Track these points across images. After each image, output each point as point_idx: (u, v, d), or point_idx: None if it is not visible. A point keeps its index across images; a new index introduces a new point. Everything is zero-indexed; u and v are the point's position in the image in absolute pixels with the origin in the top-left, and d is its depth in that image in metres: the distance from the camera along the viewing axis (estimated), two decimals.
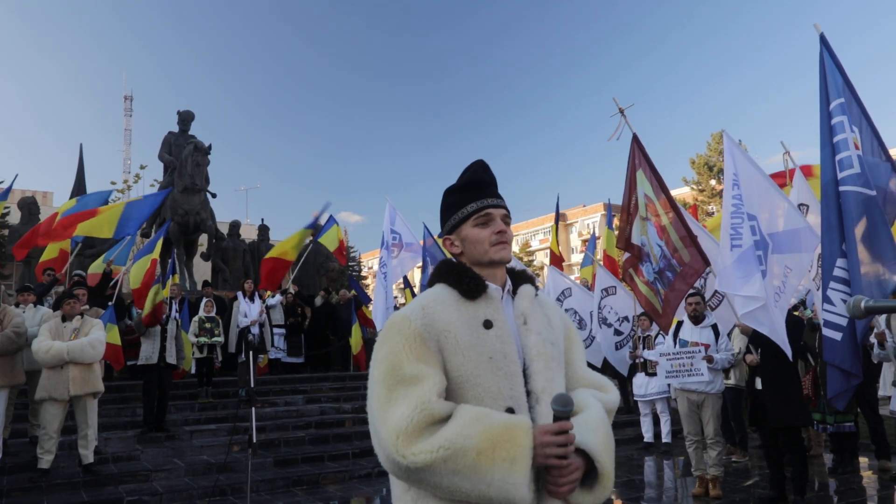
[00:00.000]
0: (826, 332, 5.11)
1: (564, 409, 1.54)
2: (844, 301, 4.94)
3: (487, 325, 1.70)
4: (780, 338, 5.81)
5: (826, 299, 5.12)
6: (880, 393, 8.00)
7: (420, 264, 14.09)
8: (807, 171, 8.85)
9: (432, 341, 1.66)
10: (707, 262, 6.97)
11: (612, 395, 1.90)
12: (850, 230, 5.00)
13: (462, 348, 1.66)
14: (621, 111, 7.92)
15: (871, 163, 5.36)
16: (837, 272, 5.04)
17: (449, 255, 1.92)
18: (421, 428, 1.52)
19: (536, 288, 1.91)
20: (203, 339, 10.30)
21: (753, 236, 6.10)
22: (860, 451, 8.07)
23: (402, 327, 1.67)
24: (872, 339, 6.50)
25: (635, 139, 7.88)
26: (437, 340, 1.66)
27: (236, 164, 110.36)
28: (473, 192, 1.83)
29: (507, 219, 1.85)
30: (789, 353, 5.85)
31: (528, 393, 1.68)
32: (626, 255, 8.21)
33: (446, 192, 1.89)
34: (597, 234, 19.06)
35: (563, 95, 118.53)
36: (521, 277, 1.89)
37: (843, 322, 4.98)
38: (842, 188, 5.11)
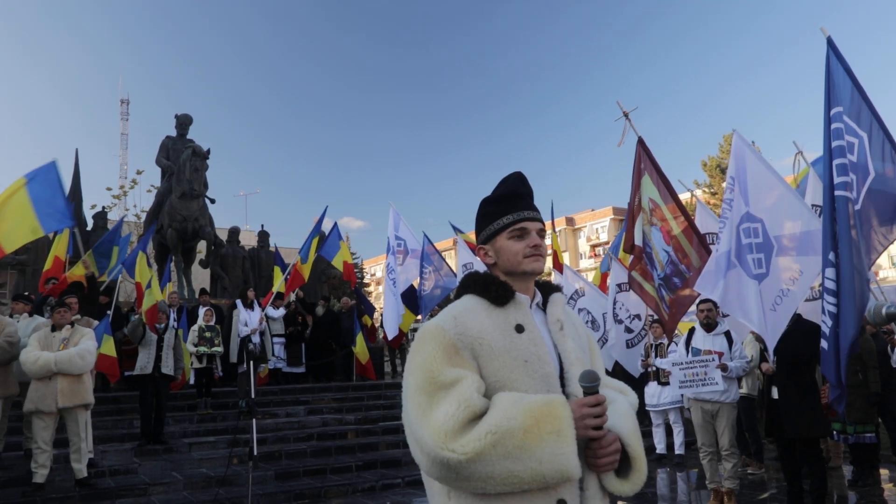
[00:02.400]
0: (822, 343, 5.15)
1: (592, 385, 1.67)
2: (831, 312, 5.02)
3: (519, 329, 1.79)
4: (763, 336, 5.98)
5: (823, 311, 5.16)
6: None
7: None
8: None
9: (466, 350, 1.73)
10: None
11: (632, 397, 2.03)
12: (842, 238, 5.04)
13: (497, 354, 1.73)
14: (625, 115, 7.92)
15: (884, 169, 5.39)
16: (827, 283, 5.08)
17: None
18: (464, 423, 1.59)
19: (565, 297, 1.99)
20: (203, 349, 10.29)
21: (754, 238, 6.16)
22: (881, 462, 8.00)
23: (436, 336, 1.75)
24: None
25: (641, 143, 7.89)
26: (472, 348, 1.73)
27: (235, 169, 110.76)
28: (510, 205, 1.92)
29: (542, 232, 1.94)
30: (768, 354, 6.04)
31: (567, 396, 1.75)
32: (632, 257, 8.22)
33: (483, 202, 1.99)
34: (605, 239, 19.01)
35: (573, 100, 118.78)
36: (549, 288, 2.00)
37: (829, 332, 5.04)
38: (837, 193, 5.14)
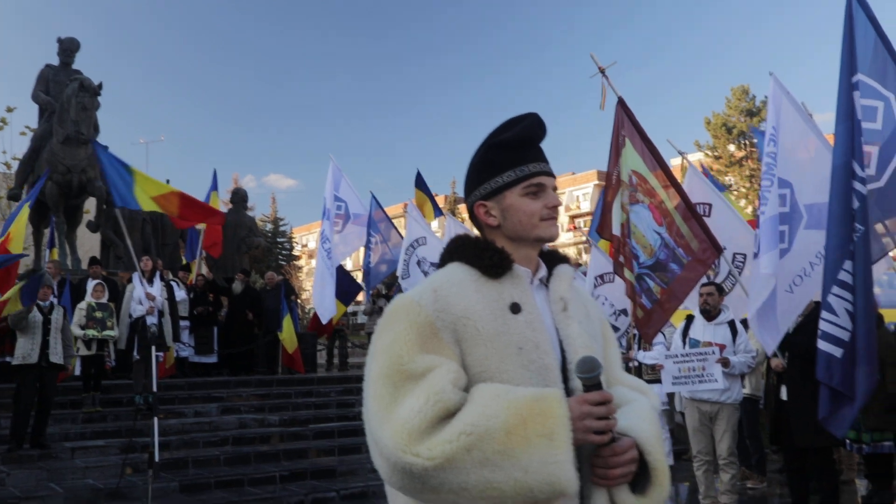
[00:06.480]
0: (822, 345, 5.21)
1: (591, 375, 1.60)
2: (849, 311, 5.10)
3: (515, 308, 1.74)
4: (770, 328, 6.16)
5: (826, 307, 5.23)
6: None
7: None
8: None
9: (447, 331, 1.68)
10: (718, 248, 7.08)
11: (654, 399, 1.98)
12: (862, 227, 5.14)
13: (485, 338, 1.69)
14: (601, 71, 7.93)
15: None
16: (843, 276, 5.15)
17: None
18: (434, 422, 1.54)
19: (574, 270, 1.97)
20: (91, 333, 10.06)
21: (782, 207, 6.27)
22: None
23: (410, 313, 1.70)
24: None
25: (621, 103, 7.94)
26: (454, 330, 1.69)
27: (134, 110, 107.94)
28: (525, 153, 1.85)
29: (556, 190, 1.90)
30: (770, 349, 6.32)
31: (569, 393, 1.70)
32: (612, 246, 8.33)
33: (488, 146, 1.90)
34: (587, 209, 19.25)
35: (551, 47, 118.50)
36: (554, 258, 1.94)
37: (846, 336, 5.12)
38: (858, 173, 5.24)
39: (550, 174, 1.87)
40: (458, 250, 1.85)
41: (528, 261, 1.85)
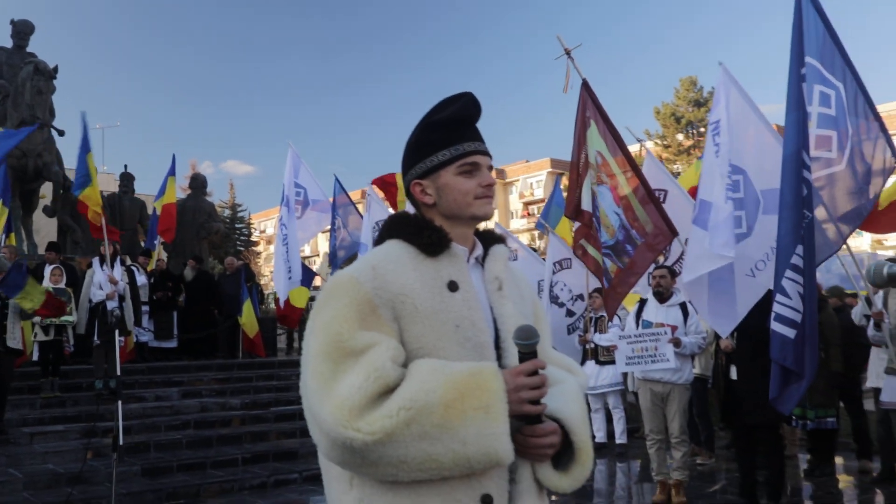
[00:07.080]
0: (776, 326, 5.39)
1: (528, 343, 1.64)
2: (800, 294, 5.28)
3: (452, 286, 1.76)
4: (727, 311, 6.37)
5: (780, 289, 5.40)
6: (867, 384, 8.54)
7: (328, 227, 14.05)
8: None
9: (386, 308, 1.69)
10: (674, 231, 7.22)
11: (582, 378, 2.02)
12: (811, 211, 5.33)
13: (423, 315, 1.70)
14: (567, 52, 8.00)
15: (858, 124, 5.72)
16: (795, 260, 5.32)
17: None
18: (374, 398, 1.56)
19: (510, 250, 2.00)
20: (49, 319, 9.91)
21: (736, 192, 6.43)
22: (837, 449, 8.63)
23: (349, 289, 1.70)
24: (859, 317, 7.02)
25: (585, 86, 8.02)
26: (392, 307, 1.70)
27: (90, 94, 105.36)
28: (460, 132, 1.86)
29: (492, 169, 1.92)
30: (725, 332, 6.57)
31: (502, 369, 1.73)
32: (577, 224, 8.43)
33: (424, 126, 1.91)
34: (541, 196, 19.38)
35: (505, 32, 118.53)
36: (490, 238, 1.96)
37: (798, 318, 5.30)
38: (805, 160, 5.41)
39: (486, 153, 1.89)
40: (396, 228, 1.86)
41: (464, 239, 1.87)
